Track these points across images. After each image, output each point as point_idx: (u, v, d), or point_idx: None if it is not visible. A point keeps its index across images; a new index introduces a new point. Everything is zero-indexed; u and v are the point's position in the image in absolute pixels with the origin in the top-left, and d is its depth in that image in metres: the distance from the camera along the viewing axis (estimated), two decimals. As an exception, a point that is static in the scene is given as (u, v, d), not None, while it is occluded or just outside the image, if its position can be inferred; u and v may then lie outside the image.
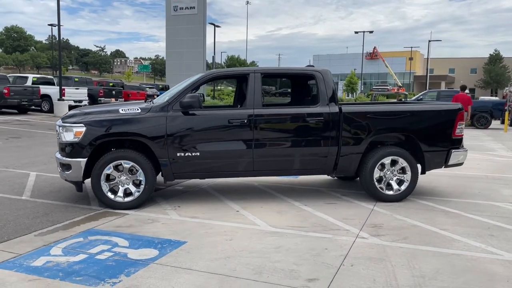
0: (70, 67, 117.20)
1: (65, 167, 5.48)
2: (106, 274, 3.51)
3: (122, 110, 5.55)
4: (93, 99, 23.64)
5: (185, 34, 39.23)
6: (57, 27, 20.96)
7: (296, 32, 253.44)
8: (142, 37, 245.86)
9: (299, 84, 7.00)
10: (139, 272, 3.57)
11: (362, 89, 65.36)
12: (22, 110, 20.63)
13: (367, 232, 4.72)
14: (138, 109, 5.55)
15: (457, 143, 6.20)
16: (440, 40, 79.58)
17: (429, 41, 51.72)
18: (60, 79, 20.77)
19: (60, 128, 5.53)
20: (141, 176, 5.49)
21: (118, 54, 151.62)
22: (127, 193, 5.53)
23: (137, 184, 5.53)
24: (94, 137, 5.37)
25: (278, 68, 6.56)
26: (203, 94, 7.32)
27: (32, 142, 11.75)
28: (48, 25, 44.62)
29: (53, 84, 22.57)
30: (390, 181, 6.02)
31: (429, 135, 6.09)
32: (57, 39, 21.84)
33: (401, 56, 76.72)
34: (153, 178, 5.52)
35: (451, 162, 6.18)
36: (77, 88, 22.66)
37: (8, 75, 22.41)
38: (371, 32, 52.29)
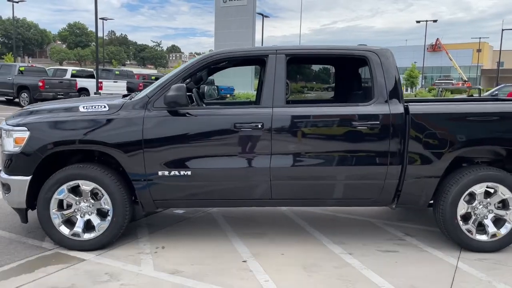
0: (128, 62, 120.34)
1: (5, 187, 3.89)
2: None
3: (83, 107, 3.87)
4: (131, 92, 22.65)
5: (234, 26, 37.92)
6: (98, 21, 20.09)
7: (353, 25, 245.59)
8: (198, 33, 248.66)
9: (344, 72, 5.02)
10: None
11: (422, 83, 60.86)
12: (59, 103, 19.92)
13: (454, 326, 2.71)
14: (104, 107, 3.84)
15: None
16: (513, 29, 72.34)
17: (502, 29, 46.47)
18: (97, 72, 19.91)
19: (3, 132, 3.94)
20: (107, 204, 3.80)
21: (174, 49, 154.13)
22: (89, 227, 3.86)
23: (104, 214, 3.85)
24: (39, 146, 3.72)
25: (311, 47, 4.51)
26: (217, 87, 5.53)
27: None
28: (100, 18, 44.83)
29: (93, 77, 21.79)
30: (484, 221, 3.91)
31: (548, 151, 3.91)
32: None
33: (467, 48, 70.78)
34: (124, 206, 3.80)
35: None
36: (115, 81, 21.74)
37: (47, 68, 21.93)
38: (435, 21, 48.09)
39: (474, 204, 3.89)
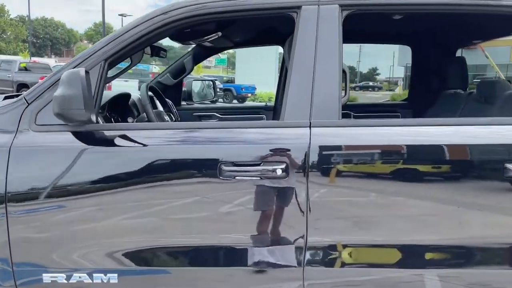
0: (153, 62, 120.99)
1: None
2: None
3: None
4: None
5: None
6: (104, 16, 18.35)
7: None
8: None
9: (435, 54, 2.81)
10: None
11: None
12: (63, 103, 18.29)
13: None
14: None
15: None
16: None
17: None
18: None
19: None
20: None
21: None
22: None
23: None
24: None
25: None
26: (212, 81, 3.37)
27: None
28: (119, 15, 43.79)
29: (105, 75, 20.10)
30: None
31: None
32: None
33: (505, 45, 66.72)
34: None
35: None
36: (126, 81, 19.92)
37: (53, 65, 20.35)
38: (473, 16, 44.51)
39: None
